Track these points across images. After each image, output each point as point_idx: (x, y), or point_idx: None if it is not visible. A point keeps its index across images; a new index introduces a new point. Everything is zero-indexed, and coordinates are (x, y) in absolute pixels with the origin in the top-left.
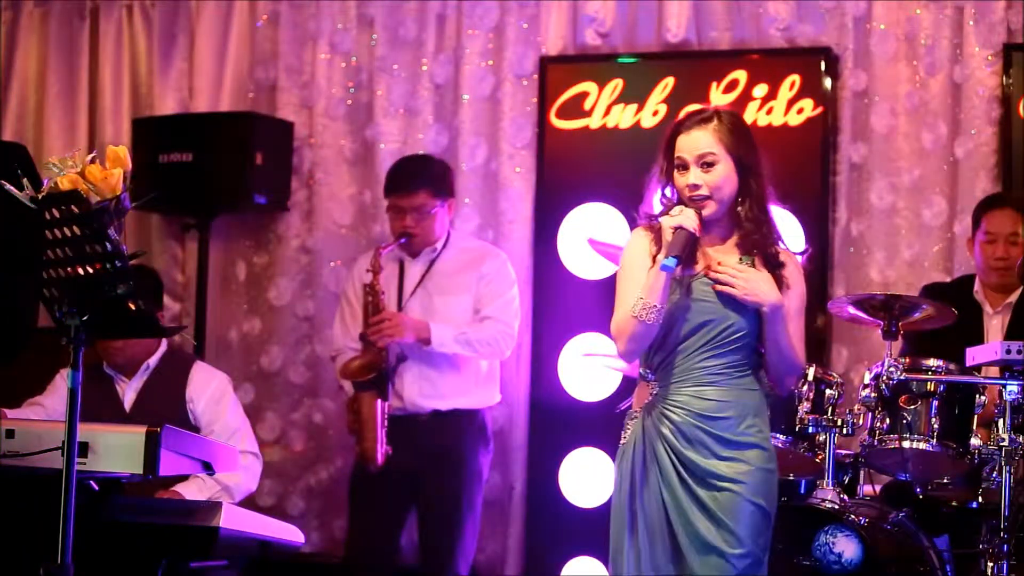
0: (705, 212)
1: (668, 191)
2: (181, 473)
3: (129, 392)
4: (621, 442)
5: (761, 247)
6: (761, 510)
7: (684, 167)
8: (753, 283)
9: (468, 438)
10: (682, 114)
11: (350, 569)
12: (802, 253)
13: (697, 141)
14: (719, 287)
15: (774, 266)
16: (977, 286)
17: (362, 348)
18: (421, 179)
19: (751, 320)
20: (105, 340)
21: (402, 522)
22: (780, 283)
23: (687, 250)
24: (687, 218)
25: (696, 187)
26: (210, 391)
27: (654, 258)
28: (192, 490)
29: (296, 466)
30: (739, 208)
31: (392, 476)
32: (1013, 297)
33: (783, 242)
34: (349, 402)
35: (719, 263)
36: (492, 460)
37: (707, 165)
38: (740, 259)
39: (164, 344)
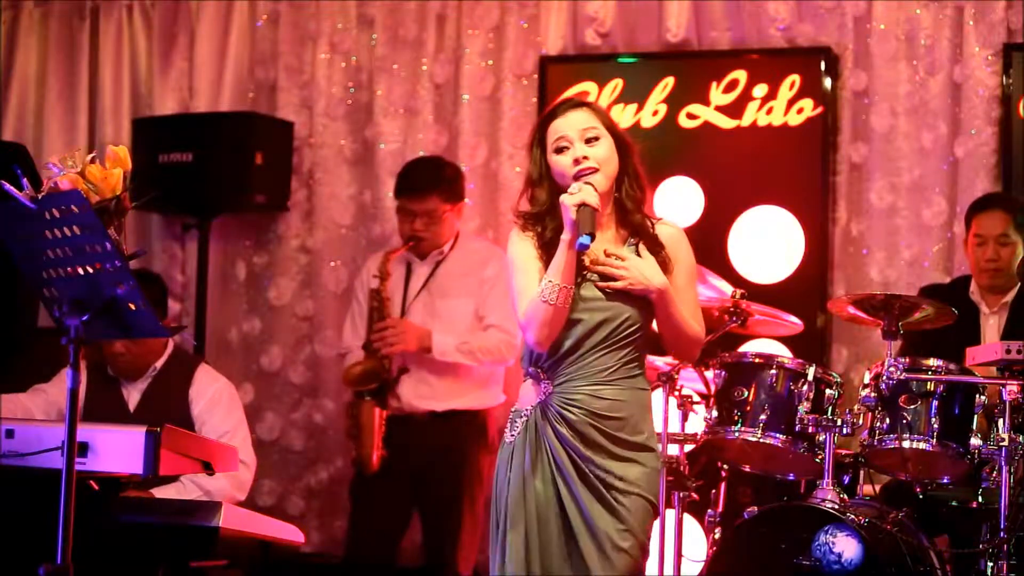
0: (598, 186)
1: (544, 188)
2: (181, 473)
3: (134, 393)
4: (506, 440)
5: (643, 230)
6: (653, 507)
7: (566, 147)
8: (637, 270)
9: (467, 439)
10: (550, 107)
11: (350, 569)
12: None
13: (578, 119)
14: (606, 283)
15: (656, 248)
16: (973, 287)
17: (365, 354)
18: (432, 183)
19: (643, 309)
20: (110, 350)
21: (403, 523)
22: (665, 263)
23: (594, 226)
24: (588, 194)
25: (584, 158)
26: (210, 394)
27: (541, 259)
28: (169, 493)
29: (296, 466)
30: (619, 191)
31: (392, 477)
32: (1009, 297)
33: (661, 218)
34: (348, 407)
35: (606, 253)
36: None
37: (591, 139)
38: (625, 245)
39: (170, 346)
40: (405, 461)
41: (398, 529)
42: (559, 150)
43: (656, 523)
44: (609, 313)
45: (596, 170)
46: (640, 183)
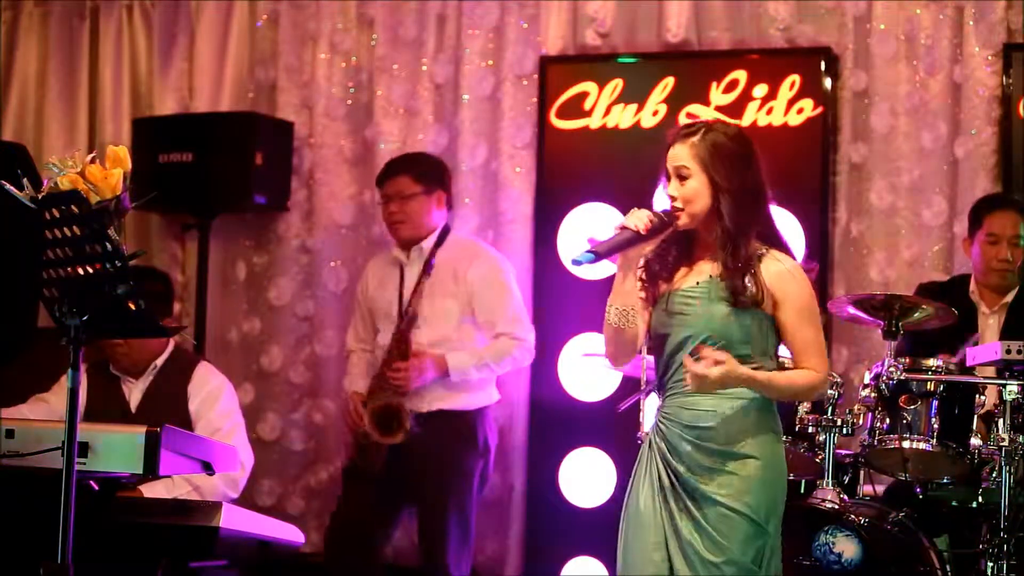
0: (681, 223)
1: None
2: (180, 473)
3: (135, 392)
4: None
5: (734, 266)
6: (748, 520)
7: (668, 178)
8: (696, 378)
9: (454, 440)
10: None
11: (326, 560)
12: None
13: (676, 154)
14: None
15: (740, 286)
16: (972, 286)
17: (377, 386)
18: (402, 166)
19: (732, 327)
20: (109, 343)
21: (388, 522)
22: (770, 297)
23: (621, 248)
24: (634, 218)
25: (673, 198)
26: (206, 391)
27: (642, 288)
28: (158, 490)
29: (296, 466)
30: (716, 226)
31: (381, 476)
32: (1009, 297)
33: (771, 252)
34: (368, 423)
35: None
36: (492, 460)
37: (681, 178)
38: (697, 283)
39: (171, 344)
40: (393, 461)
41: (380, 527)
42: (667, 177)
43: None
44: (692, 330)
45: (681, 210)
46: (737, 224)
